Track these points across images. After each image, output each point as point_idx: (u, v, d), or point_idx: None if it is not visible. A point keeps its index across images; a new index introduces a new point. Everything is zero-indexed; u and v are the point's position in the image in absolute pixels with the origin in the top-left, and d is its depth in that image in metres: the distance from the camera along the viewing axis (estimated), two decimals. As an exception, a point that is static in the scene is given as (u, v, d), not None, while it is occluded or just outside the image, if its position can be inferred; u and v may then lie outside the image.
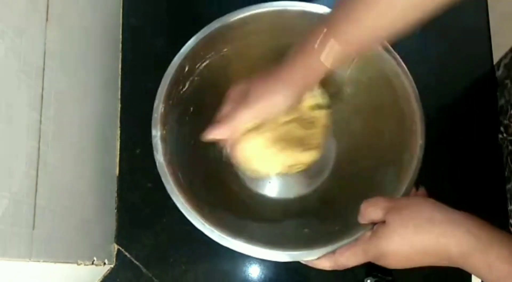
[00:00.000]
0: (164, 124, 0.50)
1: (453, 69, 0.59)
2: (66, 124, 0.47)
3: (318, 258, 0.44)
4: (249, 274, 0.58)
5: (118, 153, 0.62)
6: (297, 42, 0.46)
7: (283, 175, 0.57)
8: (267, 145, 0.49)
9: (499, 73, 0.64)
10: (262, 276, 0.58)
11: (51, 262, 0.41)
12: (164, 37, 0.66)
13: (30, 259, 0.38)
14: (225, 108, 0.49)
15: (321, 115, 0.52)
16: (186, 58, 0.52)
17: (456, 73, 0.56)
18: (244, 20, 0.53)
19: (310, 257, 0.45)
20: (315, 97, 0.52)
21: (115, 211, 0.60)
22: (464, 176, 0.60)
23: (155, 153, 0.49)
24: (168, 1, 0.68)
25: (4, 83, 0.35)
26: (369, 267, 0.56)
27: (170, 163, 0.49)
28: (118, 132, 0.62)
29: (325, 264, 0.44)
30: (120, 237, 0.59)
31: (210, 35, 0.52)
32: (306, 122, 0.51)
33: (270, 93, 0.46)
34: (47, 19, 0.43)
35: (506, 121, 0.60)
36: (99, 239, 0.55)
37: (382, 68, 0.52)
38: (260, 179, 0.60)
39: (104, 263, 0.55)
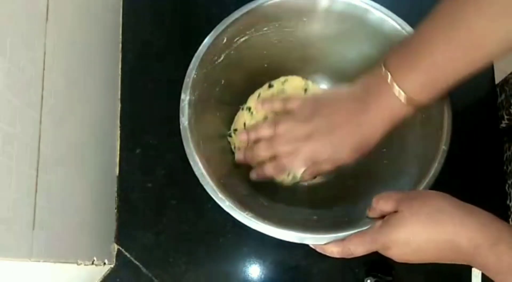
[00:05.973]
0: (194, 90, 0.51)
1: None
2: (66, 124, 0.47)
3: (327, 244, 0.44)
4: (249, 274, 0.58)
5: (118, 153, 0.62)
6: (361, 82, 0.48)
7: None
8: None
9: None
10: (262, 276, 0.58)
11: (51, 262, 0.41)
12: (165, 38, 0.66)
13: (30, 259, 0.38)
14: (284, 124, 0.51)
15: None
16: (226, 30, 0.52)
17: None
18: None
19: (318, 241, 0.45)
20: None
21: (115, 211, 0.60)
22: (463, 170, 0.60)
23: (181, 115, 0.50)
24: (168, 1, 0.68)
25: (4, 83, 0.35)
26: (369, 267, 0.56)
27: (192, 129, 0.50)
28: (118, 132, 0.62)
29: (333, 250, 0.43)
30: (120, 237, 0.59)
31: (253, 11, 0.53)
32: None
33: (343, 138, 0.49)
34: (47, 19, 0.43)
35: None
36: (99, 239, 0.55)
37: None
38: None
39: (104, 263, 0.55)
